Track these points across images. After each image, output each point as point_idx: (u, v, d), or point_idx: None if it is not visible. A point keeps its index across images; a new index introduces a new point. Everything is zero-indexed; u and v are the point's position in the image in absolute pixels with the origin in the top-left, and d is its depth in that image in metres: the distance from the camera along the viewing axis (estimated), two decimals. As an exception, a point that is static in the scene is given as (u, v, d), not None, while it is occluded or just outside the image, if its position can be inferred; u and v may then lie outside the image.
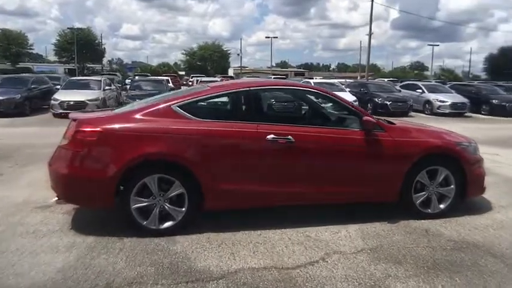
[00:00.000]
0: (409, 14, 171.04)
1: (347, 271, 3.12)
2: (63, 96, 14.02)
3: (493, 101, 17.99)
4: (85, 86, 15.39)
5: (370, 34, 36.32)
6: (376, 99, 16.94)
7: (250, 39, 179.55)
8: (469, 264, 3.28)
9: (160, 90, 15.88)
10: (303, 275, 3.05)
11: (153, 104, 3.89)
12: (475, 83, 26.89)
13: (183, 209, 3.72)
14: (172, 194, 3.69)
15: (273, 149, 3.80)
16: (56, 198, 3.86)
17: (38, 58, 68.44)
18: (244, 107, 3.98)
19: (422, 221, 4.18)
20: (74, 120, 3.77)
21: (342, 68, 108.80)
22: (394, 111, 15.87)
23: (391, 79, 35.21)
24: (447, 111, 16.82)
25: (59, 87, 16.31)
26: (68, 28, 53.85)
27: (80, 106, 13.56)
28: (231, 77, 34.26)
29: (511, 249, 3.57)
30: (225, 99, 4.23)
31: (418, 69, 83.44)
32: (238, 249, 3.47)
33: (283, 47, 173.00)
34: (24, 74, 21.78)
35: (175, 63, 79.52)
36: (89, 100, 13.84)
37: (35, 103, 14.94)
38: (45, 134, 10.13)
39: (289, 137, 3.81)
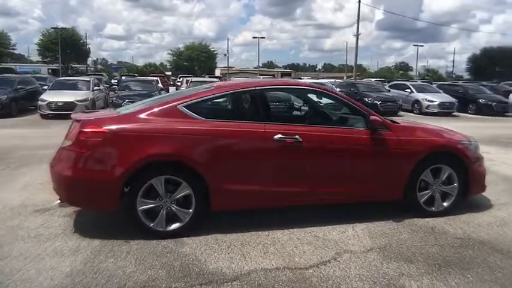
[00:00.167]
0: (394, 15, 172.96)
1: (360, 270, 3.12)
2: (51, 96, 13.74)
3: (480, 100, 18.34)
4: (73, 86, 15.11)
5: (357, 35, 36.71)
6: (366, 99, 17.06)
7: (237, 39, 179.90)
8: (478, 261, 3.31)
9: (150, 90, 15.76)
10: (316, 275, 3.03)
11: (158, 104, 3.82)
12: (460, 82, 27.40)
13: (190, 210, 3.66)
14: (179, 195, 3.62)
15: (281, 149, 3.77)
16: (59, 201, 3.75)
17: (21, 58, 67.06)
18: (251, 107, 3.94)
19: (427, 219, 4.21)
20: (77, 121, 3.68)
21: (328, 69, 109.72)
22: (384, 110, 15.96)
23: (378, 79, 35.57)
24: (436, 110, 17.10)
25: (46, 87, 15.98)
26: (51, 28, 52.97)
27: (69, 107, 13.32)
28: (219, 77, 34.10)
29: (517, 246, 3.62)
30: (231, 98, 4.18)
31: (403, 70, 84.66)
32: (248, 250, 3.43)
33: (270, 47, 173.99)
34: (9, 74, 21.26)
35: (161, 64, 78.94)
36: (78, 101, 13.61)
37: (21, 104, 14.62)
38: (35, 136, 9.95)
39: (297, 136, 3.79)
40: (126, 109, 4.09)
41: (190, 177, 3.62)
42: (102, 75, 31.91)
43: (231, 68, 67.12)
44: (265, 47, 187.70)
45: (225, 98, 4.15)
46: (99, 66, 74.72)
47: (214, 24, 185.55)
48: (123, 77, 28.51)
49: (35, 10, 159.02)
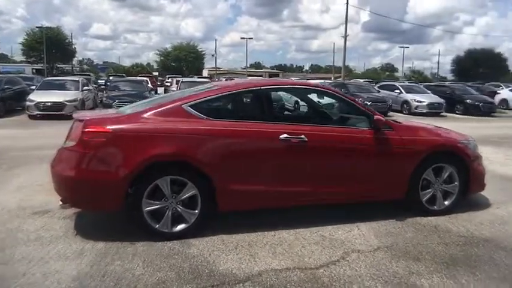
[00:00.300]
0: (380, 17, 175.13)
1: (370, 269, 3.12)
2: (40, 97, 13.45)
3: (467, 101, 18.70)
4: (62, 86, 14.82)
5: (345, 36, 36.98)
6: (357, 100, 17.18)
7: (224, 40, 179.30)
8: (485, 258, 3.35)
9: (140, 91, 15.62)
10: (327, 275, 3.02)
11: (162, 104, 3.77)
12: (446, 83, 27.84)
13: (196, 211, 3.62)
14: (185, 196, 3.58)
15: (287, 149, 3.76)
16: (60, 203, 3.66)
17: (4, 58, 65.64)
18: (256, 107, 3.91)
19: (429, 217, 4.25)
20: (80, 120, 3.60)
21: (315, 69, 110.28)
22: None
23: (366, 80, 35.89)
24: (424, 110, 17.36)
25: (33, 87, 15.66)
26: (36, 27, 51.83)
27: (58, 107, 13.13)
28: (209, 78, 34.02)
29: (519, 243, 3.67)
30: (236, 98, 4.14)
31: (388, 71, 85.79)
32: (256, 251, 3.41)
33: (257, 48, 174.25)
34: (-6, 75, 20.77)
35: (148, 64, 78.30)
36: (67, 101, 13.35)
37: (9, 104, 14.28)
38: (24, 136, 9.74)
39: (302, 136, 3.78)
40: (130, 109, 4.02)
41: (196, 177, 3.58)
42: (89, 75, 31.44)
43: (219, 68, 66.86)
44: (253, 47, 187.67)
45: (230, 98, 4.11)
46: (85, 67, 73.70)
47: (201, 25, 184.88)
48: (111, 77, 28.18)
49: (18, 9, 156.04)
